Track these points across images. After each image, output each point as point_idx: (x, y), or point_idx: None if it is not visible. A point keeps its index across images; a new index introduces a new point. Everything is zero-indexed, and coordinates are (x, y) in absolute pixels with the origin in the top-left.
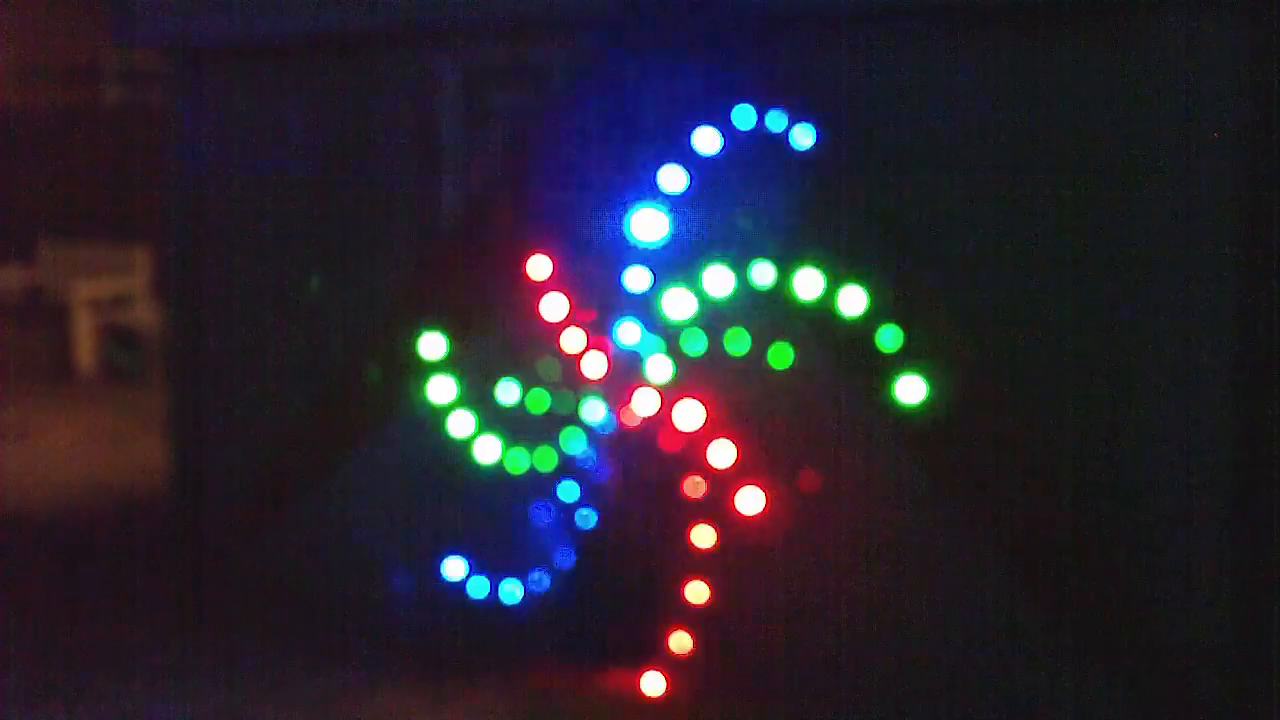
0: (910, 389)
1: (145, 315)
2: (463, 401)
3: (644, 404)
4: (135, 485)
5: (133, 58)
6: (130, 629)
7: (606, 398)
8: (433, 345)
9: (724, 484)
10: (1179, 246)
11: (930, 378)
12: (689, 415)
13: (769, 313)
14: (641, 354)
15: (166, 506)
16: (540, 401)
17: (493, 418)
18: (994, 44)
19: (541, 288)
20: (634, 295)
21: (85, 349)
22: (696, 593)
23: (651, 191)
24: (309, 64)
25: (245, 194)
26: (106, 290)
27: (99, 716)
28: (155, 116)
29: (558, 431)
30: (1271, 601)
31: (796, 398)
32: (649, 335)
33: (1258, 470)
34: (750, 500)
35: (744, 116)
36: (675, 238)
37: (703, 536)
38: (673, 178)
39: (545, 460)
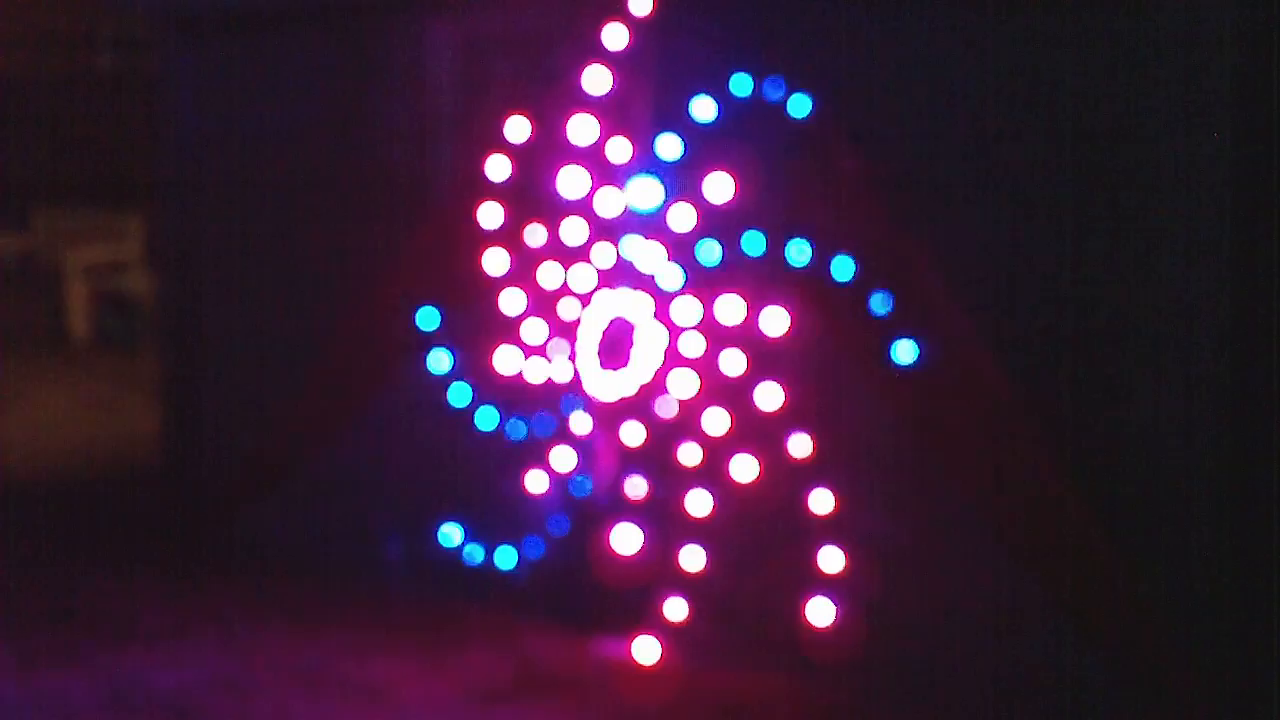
0: (903, 355)
1: (139, 282)
2: (459, 372)
3: (640, 371)
4: (130, 453)
5: (128, 25)
6: (126, 596)
7: (601, 364)
8: (428, 317)
9: (719, 451)
10: (1176, 215)
11: (922, 344)
12: (684, 383)
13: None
14: (636, 321)
15: (161, 473)
16: (538, 370)
17: (490, 387)
18: (991, 13)
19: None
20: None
21: (80, 316)
22: (691, 559)
23: (649, 160)
24: (304, 32)
25: (240, 161)
26: (101, 257)
27: (95, 683)
28: (150, 84)
29: (556, 400)
30: (1270, 574)
31: (790, 363)
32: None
33: (1254, 437)
34: (744, 467)
35: (741, 85)
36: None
37: (700, 504)
38: (669, 146)
39: (542, 428)
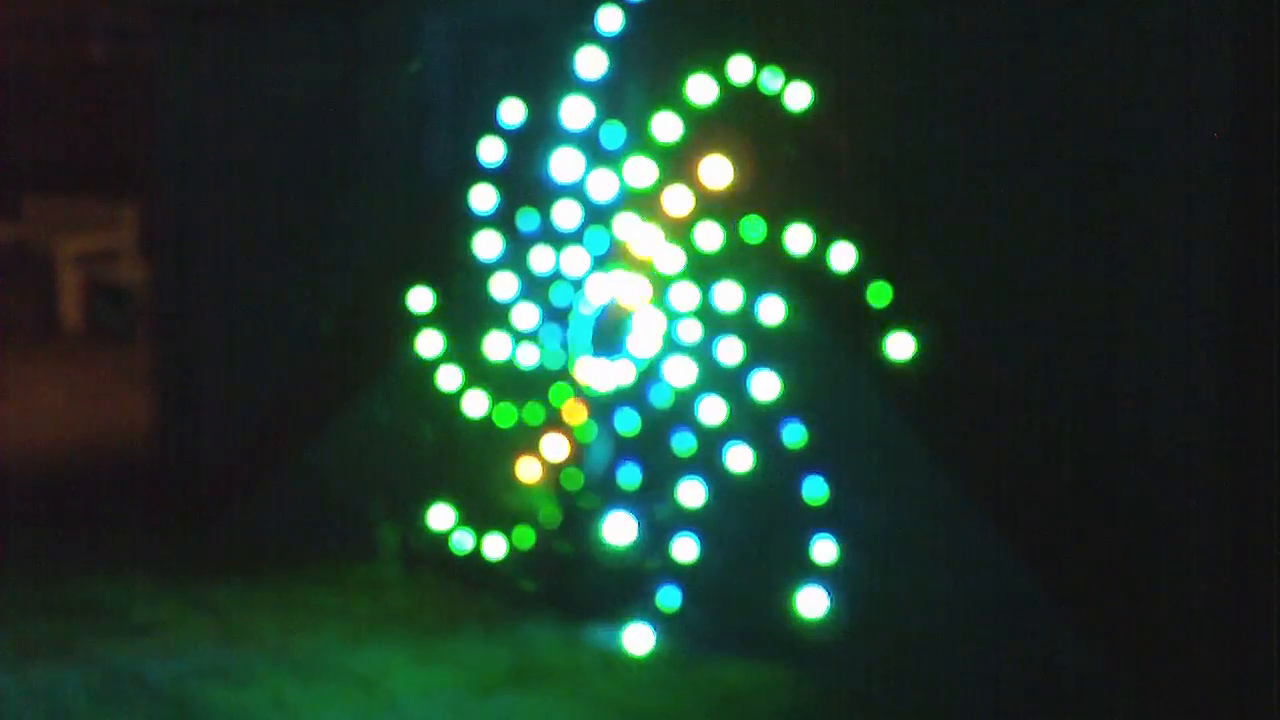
0: (900, 346)
1: (132, 271)
2: (450, 356)
3: (635, 361)
4: (123, 443)
5: (123, 13)
6: (119, 586)
7: (596, 353)
8: (420, 299)
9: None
10: (1173, 201)
11: (920, 335)
12: (680, 372)
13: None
14: (629, 310)
15: (155, 463)
16: (529, 356)
17: (481, 372)
18: (992, 3)
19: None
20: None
21: (72, 305)
22: (686, 550)
23: (643, 140)
24: (298, 18)
25: (234, 149)
26: (94, 246)
27: (87, 674)
28: (144, 72)
29: (547, 386)
30: (1270, 574)
31: (787, 353)
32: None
33: (1253, 424)
34: (740, 457)
35: (739, 69)
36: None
37: (694, 495)
38: (666, 127)
39: (534, 415)
